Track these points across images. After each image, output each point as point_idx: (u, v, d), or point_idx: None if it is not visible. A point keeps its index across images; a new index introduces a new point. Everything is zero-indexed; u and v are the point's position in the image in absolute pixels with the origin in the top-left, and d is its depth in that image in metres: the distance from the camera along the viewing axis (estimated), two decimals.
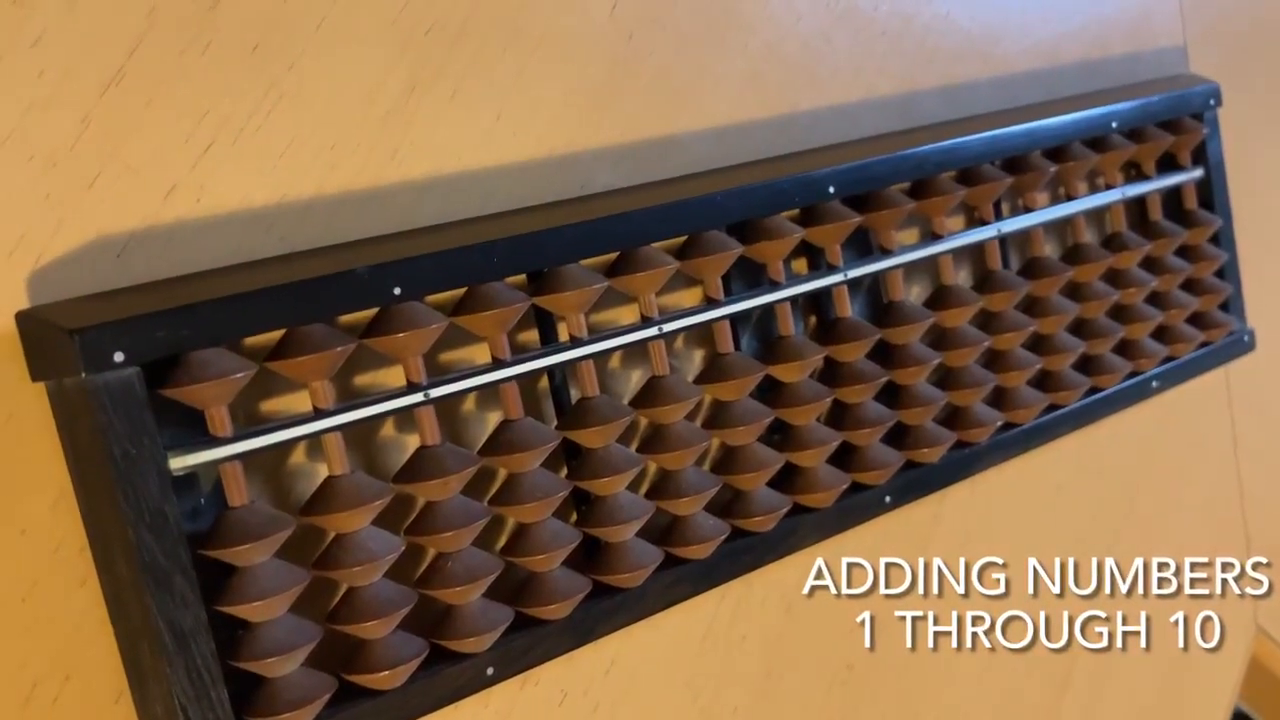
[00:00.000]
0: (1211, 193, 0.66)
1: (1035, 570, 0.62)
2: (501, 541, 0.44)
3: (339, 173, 0.41)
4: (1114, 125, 0.60)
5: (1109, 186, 0.61)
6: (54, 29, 0.36)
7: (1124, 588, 0.67)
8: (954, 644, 0.59)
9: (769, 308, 0.48)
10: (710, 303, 0.47)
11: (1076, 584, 0.65)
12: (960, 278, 0.59)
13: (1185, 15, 0.69)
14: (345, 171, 0.42)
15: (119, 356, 0.34)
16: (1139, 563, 0.67)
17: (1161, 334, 0.64)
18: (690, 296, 0.50)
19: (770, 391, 0.49)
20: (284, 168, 0.40)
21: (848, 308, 0.51)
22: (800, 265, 0.52)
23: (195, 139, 0.39)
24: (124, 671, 0.37)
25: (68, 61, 0.37)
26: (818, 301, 0.52)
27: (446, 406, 0.44)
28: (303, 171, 0.41)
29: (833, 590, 0.54)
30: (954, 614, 0.59)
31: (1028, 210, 0.58)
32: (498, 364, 0.41)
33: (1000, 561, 0.61)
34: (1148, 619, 0.68)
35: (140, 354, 0.34)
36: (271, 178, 0.40)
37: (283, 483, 0.41)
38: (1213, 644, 0.72)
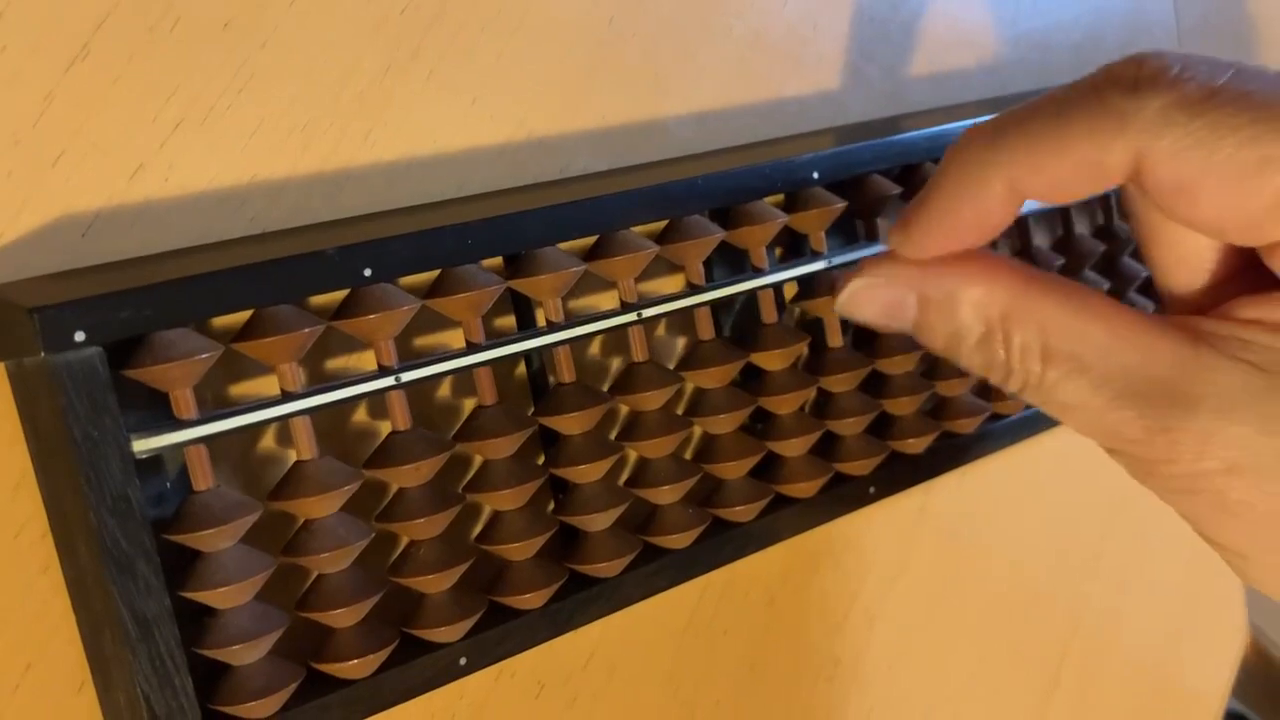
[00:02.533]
0: None
1: (1024, 564, 0.62)
2: (476, 529, 0.44)
3: (312, 153, 0.41)
4: None
5: None
6: (17, 2, 0.36)
7: (1114, 583, 0.66)
8: (942, 639, 0.58)
9: (751, 294, 0.48)
10: (691, 288, 0.46)
11: (1066, 579, 0.64)
12: None
13: (1178, 6, 0.69)
14: (318, 152, 0.41)
15: (80, 336, 0.33)
16: (1130, 557, 0.67)
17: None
18: (672, 283, 0.49)
19: (753, 379, 0.49)
20: (255, 147, 0.40)
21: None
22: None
23: (163, 117, 0.38)
24: (86, 660, 0.37)
25: (31, 37, 0.36)
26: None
27: (420, 392, 0.43)
28: (274, 151, 0.40)
29: (816, 583, 0.53)
30: (941, 608, 0.58)
31: None
32: (471, 348, 0.40)
33: (988, 555, 0.60)
34: (1139, 615, 0.67)
35: (103, 334, 0.34)
36: (242, 157, 0.39)
37: (252, 468, 0.40)
38: (1205, 640, 0.71)
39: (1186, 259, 0.28)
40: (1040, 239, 0.61)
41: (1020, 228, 0.59)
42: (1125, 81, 0.24)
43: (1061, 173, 0.25)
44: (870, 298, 0.28)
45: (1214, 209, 0.24)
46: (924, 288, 0.28)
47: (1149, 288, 0.63)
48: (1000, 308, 0.27)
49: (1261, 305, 0.26)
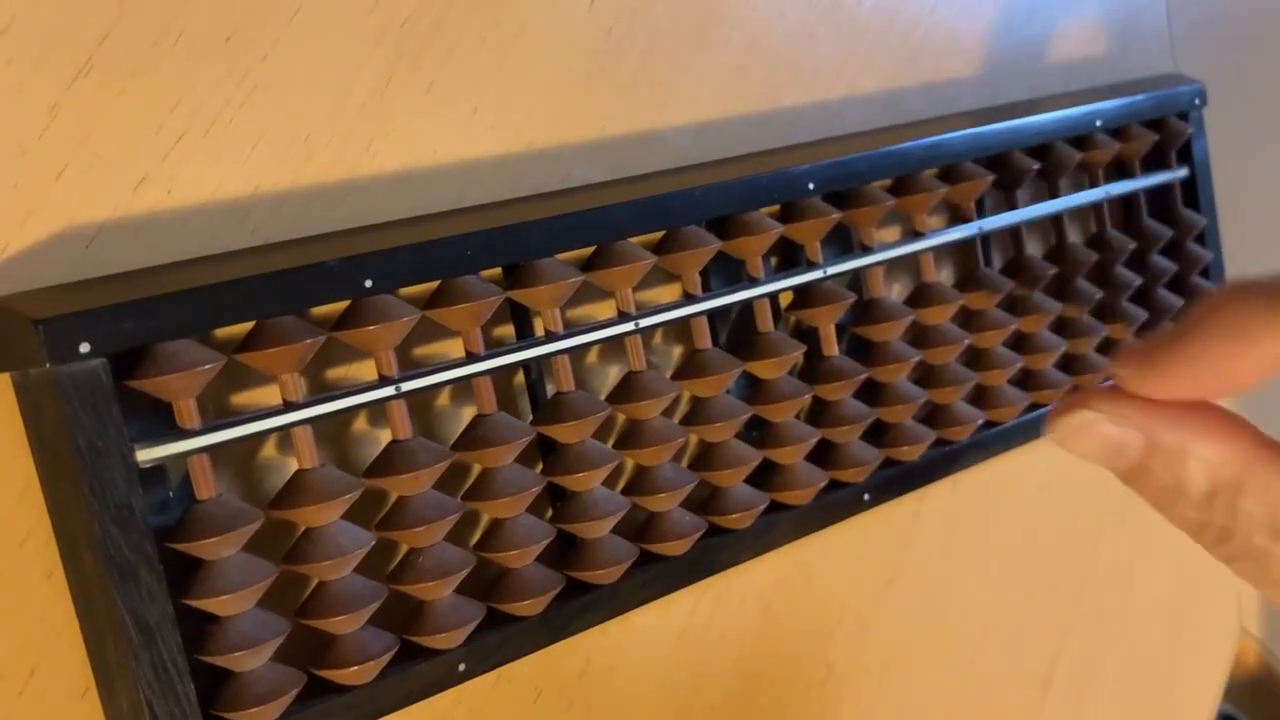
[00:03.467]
0: (1197, 192, 0.66)
1: (1017, 570, 0.62)
2: (475, 537, 0.44)
3: (313, 164, 0.41)
4: (1098, 124, 0.59)
5: (1093, 185, 0.61)
6: (23, 16, 0.36)
7: (1107, 588, 0.67)
8: (934, 644, 0.59)
9: (748, 304, 0.48)
10: (688, 298, 0.46)
11: (1058, 584, 0.65)
12: (942, 276, 0.58)
13: (1171, 14, 0.69)
14: (319, 163, 0.41)
15: (85, 347, 0.34)
16: (1122, 563, 0.67)
17: (1146, 333, 0.64)
18: (669, 292, 0.50)
19: (749, 388, 0.49)
20: (257, 159, 0.40)
21: None
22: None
23: (167, 129, 0.39)
24: (90, 666, 0.37)
25: (37, 50, 0.36)
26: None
27: (420, 401, 0.44)
28: (276, 163, 0.40)
29: (811, 589, 0.54)
30: (934, 613, 0.59)
31: (1011, 208, 0.58)
32: (471, 358, 0.41)
33: (981, 561, 0.61)
34: (1131, 619, 0.68)
35: (107, 345, 0.34)
36: (244, 169, 0.40)
37: (253, 476, 0.40)
38: (1196, 645, 0.72)
39: None
40: (1033, 248, 0.61)
41: (1014, 236, 0.59)
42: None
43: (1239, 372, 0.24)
44: (1094, 434, 0.27)
45: None
46: (1155, 433, 0.26)
47: (1140, 297, 0.64)
48: (1234, 470, 0.25)
49: None
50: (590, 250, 0.44)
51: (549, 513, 0.45)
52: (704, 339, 0.47)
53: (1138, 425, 0.26)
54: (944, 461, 0.55)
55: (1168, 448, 0.26)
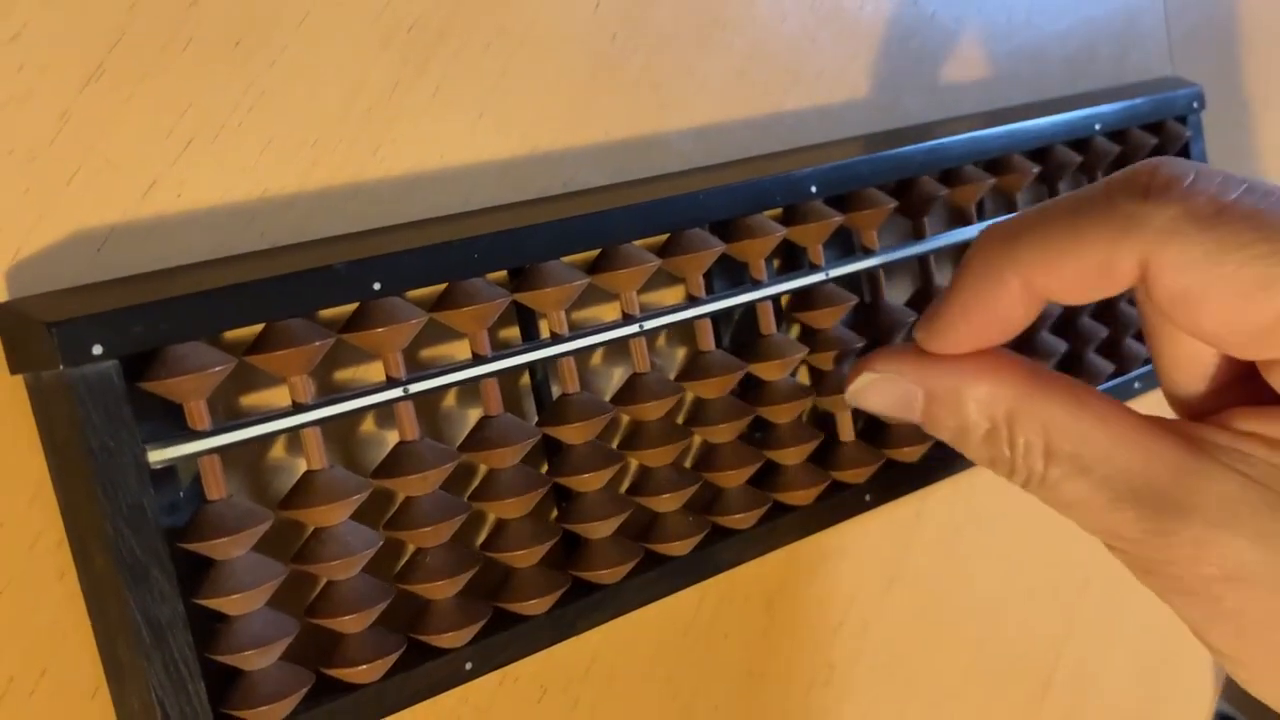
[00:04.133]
0: None
1: (1019, 570, 0.63)
2: (481, 537, 0.44)
3: (321, 169, 0.42)
4: (1097, 128, 0.60)
5: None
6: (34, 24, 0.37)
7: (1108, 589, 0.67)
8: (936, 644, 0.59)
9: (751, 306, 0.49)
10: (692, 300, 0.47)
11: (1060, 585, 0.65)
12: (945, 279, 0.59)
13: (1170, 18, 0.70)
14: (327, 167, 0.42)
15: (97, 349, 0.34)
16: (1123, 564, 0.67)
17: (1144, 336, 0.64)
18: (673, 294, 0.50)
19: (752, 389, 0.49)
20: (265, 164, 0.40)
21: None
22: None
23: (176, 134, 0.39)
24: (101, 665, 0.37)
25: (47, 56, 0.37)
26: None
27: (427, 402, 0.44)
28: (284, 167, 0.41)
29: (813, 588, 0.54)
30: (936, 613, 0.59)
31: (1011, 211, 0.58)
32: (478, 360, 0.41)
33: (983, 561, 0.61)
34: (1132, 619, 0.68)
35: (118, 347, 0.34)
36: (253, 173, 0.40)
37: (262, 477, 0.41)
38: (1196, 645, 0.72)
39: (1189, 363, 0.28)
40: None
41: None
42: (1138, 188, 0.24)
43: (1073, 274, 0.25)
44: (879, 391, 0.29)
45: (1215, 322, 0.24)
46: (930, 384, 0.28)
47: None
48: (1005, 406, 0.27)
49: (1260, 419, 0.26)
50: (595, 253, 0.45)
51: (554, 513, 0.46)
52: (707, 341, 0.47)
53: (915, 379, 0.28)
54: (945, 462, 0.55)
55: (943, 396, 0.28)
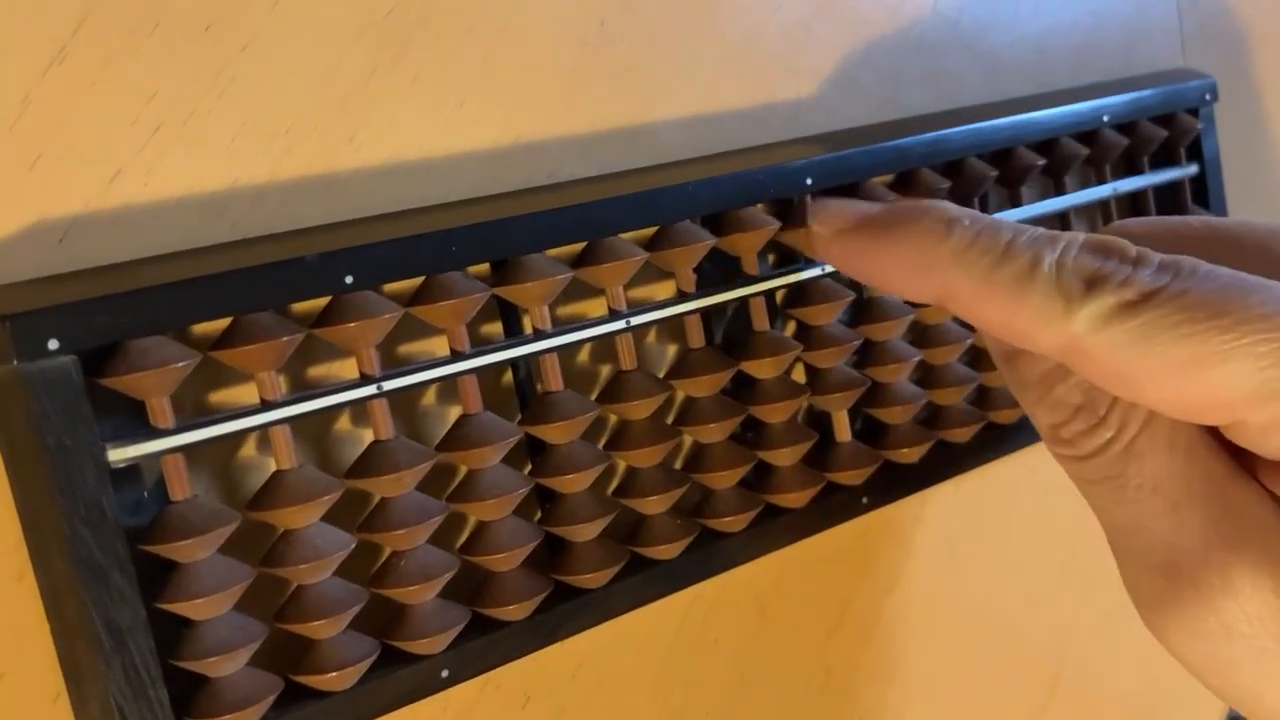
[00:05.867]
0: (1206, 190, 0.64)
1: (1022, 574, 0.61)
2: (460, 539, 0.43)
3: (294, 157, 0.40)
4: (1105, 119, 0.58)
5: (1100, 182, 0.60)
6: None
7: (1113, 593, 0.65)
8: (936, 649, 0.58)
9: (743, 301, 0.47)
10: (681, 295, 0.45)
11: (1064, 589, 0.63)
12: None
13: (1182, 8, 0.68)
14: (301, 156, 0.40)
15: (54, 344, 0.33)
16: None
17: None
18: (664, 289, 0.49)
19: (745, 388, 0.48)
20: (236, 151, 0.39)
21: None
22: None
23: (142, 121, 0.38)
24: (61, 670, 0.36)
25: (6, 40, 0.35)
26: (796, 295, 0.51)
27: (405, 400, 0.43)
28: (256, 156, 0.39)
29: (807, 592, 0.53)
30: (936, 618, 0.58)
31: (1015, 205, 0.57)
32: (456, 356, 0.40)
33: (984, 565, 0.60)
34: (1138, 623, 0.66)
35: (77, 341, 0.33)
36: (223, 162, 0.39)
37: (233, 477, 0.40)
38: None
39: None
40: None
41: None
42: (1084, 275, 0.26)
43: (1000, 330, 0.27)
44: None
45: (1155, 396, 0.26)
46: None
47: None
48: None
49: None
50: (581, 247, 0.43)
51: (537, 515, 0.44)
52: (698, 337, 0.46)
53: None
54: (946, 464, 0.54)
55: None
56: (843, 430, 0.50)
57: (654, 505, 0.45)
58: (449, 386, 0.43)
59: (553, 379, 0.42)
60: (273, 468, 0.39)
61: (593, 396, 0.45)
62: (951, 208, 0.29)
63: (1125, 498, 0.29)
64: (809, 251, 0.31)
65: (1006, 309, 0.26)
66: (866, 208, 0.30)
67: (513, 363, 0.42)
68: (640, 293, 0.48)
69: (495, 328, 0.44)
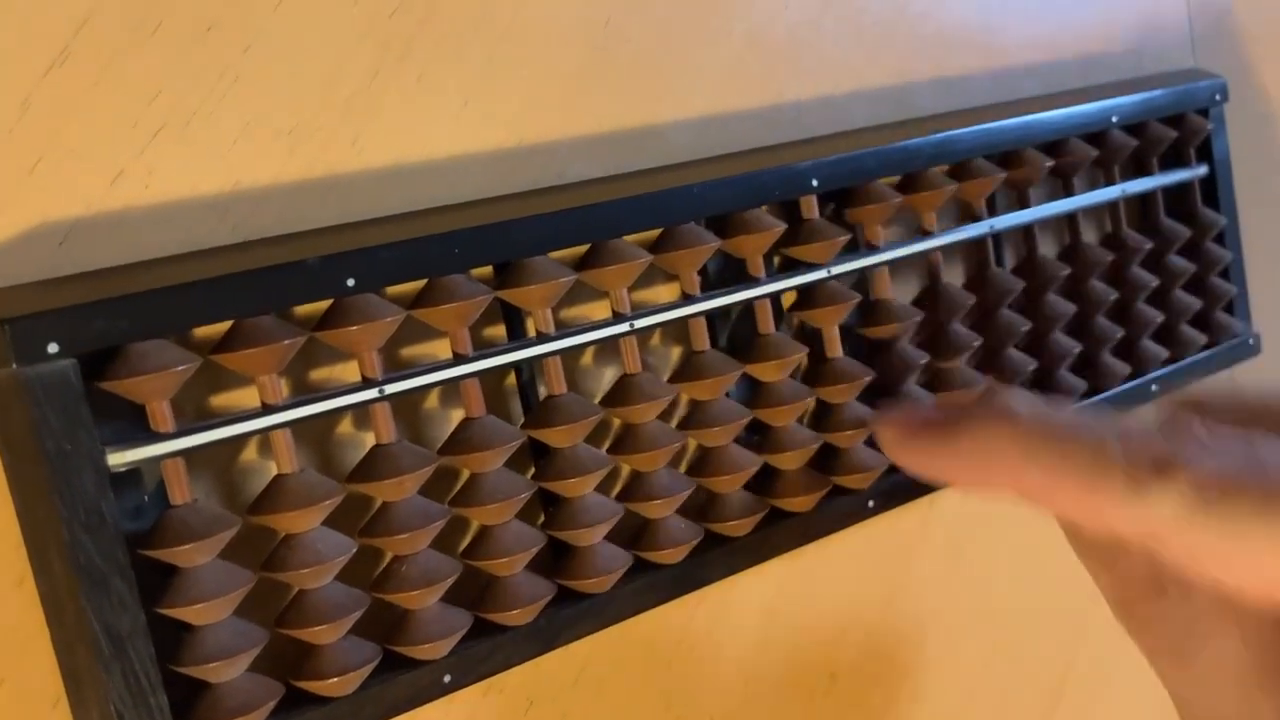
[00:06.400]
0: (1216, 191, 0.64)
1: (1029, 578, 0.61)
2: (463, 544, 0.43)
3: (297, 159, 0.40)
4: (1114, 120, 0.58)
5: (1109, 183, 0.59)
6: None
7: None
8: (942, 654, 0.57)
9: (749, 305, 0.47)
10: (686, 298, 0.45)
11: (1071, 594, 0.63)
12: (952, 276, 0.57)
13: (1192, 8, 0.67)
14: (303, 158, 0.40)
15: (53, 348, 0.33)
16: None
17: (1162, 336, 0.62)
18: (669, 292, 0.48)
19: (750, 391, 0.48)
20: (238, 153, 0.39)
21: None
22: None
23: (144, 123, 0.37)
24: (61, 675, 0.36)
25: (8, 40, 0.35)
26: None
27: (408, 404, 0.42)
28: (259, 157, 0.39)
29: (814, 597, 0.52)
30: (942, 623, 0.57)
31: (1023, 207, 0.56)
32: (458, 359, 0.40)
33: (991, 570, 0.59)
34: None
35: (76, 345, 0.33)
36: (225, 164, 0.39)
37: (234, 481, 0.39)
38: None
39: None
40: (1046, 248, 0.60)
41: (1026, 235, 0.58)
42: (1154, 457, 0.25)
43: (1071, 512, 0.26)
44: None
45: (1233, 581, 0.24)
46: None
47: (1157, 298, 0.62)
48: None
49: None
50: (585, 249, 0.43)
51: (540, 519, 0.44)
52: (702, 340, 0.46)
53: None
54: None
55: None
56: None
57: (658, 509, 0.44)
58: (451, 389, 0.43)
59: (556, 382, 0.42)
60: (274, 471, 0.38)
61: (596, 400, 0.45)
62: (1011, 399, 0.28)
63: (1193, 675, 0.28)
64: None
65: (1077, 498, 0.25)
66: (928, 413, 0.29)
67: (516, 366, 0.41)
68: (644, 295, 0.48)
69: (498, 330, 0.44)
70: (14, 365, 0.32)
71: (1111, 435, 0.25)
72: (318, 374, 0.40)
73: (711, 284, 0.47)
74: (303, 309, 0.39)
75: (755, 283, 0.46)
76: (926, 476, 0.28)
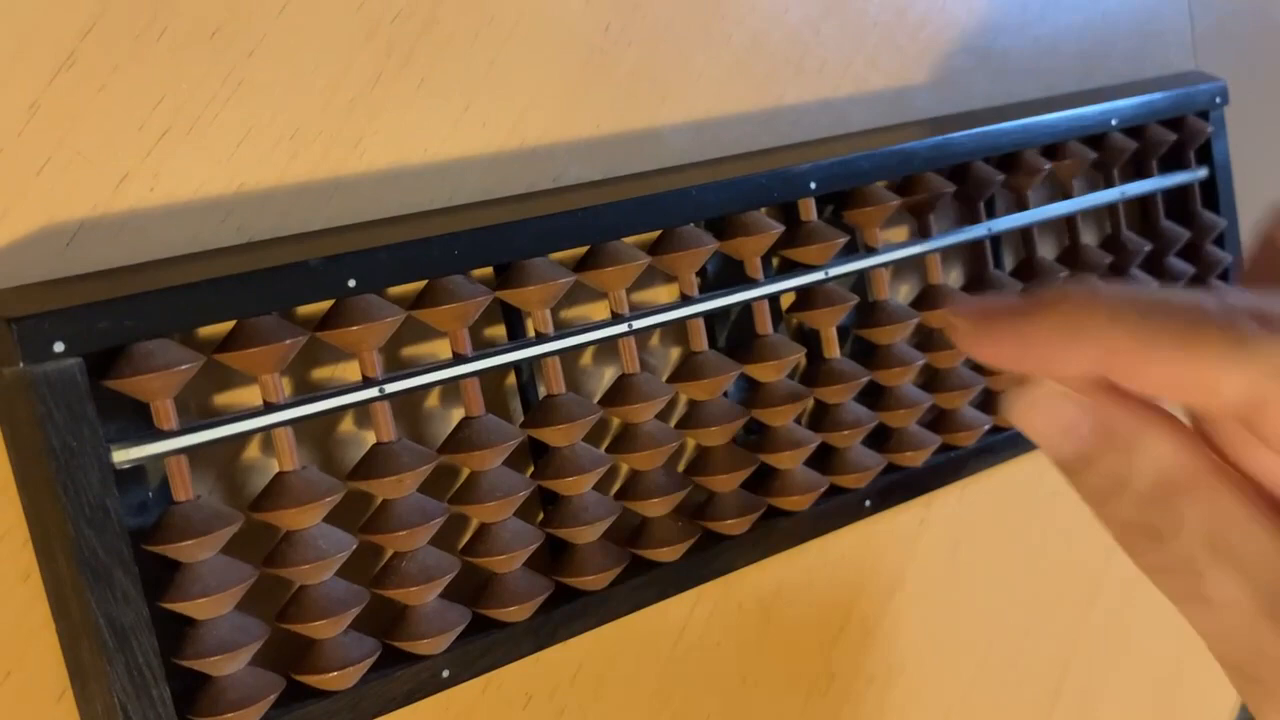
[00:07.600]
0: (1216, 193, 0.64)
1: (1027, 578, 0.61)
2: (462, 541, 0.43)
3: (300, 162, 0.41)
4: (1114, 123, 0.58)
5: (1108, 185, 0.60)
6: (2, 9, 0.36)
7: (1118, 598, 0.65)
8: (940, 654, 0.58)
9: (747, 306, 0.47)
10: (684, 299, 0.45)
11: (1068, 594, 0.63)
12: (951, 278, 0.57)
13: (1193, 11, 0.68)
14: (306, 161, 0.41)
15: (59, 346, 0.33)
16: (1134, 572, 0.65)
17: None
18: (668, 293, 0.49)
19: (748, 391, 0.48)
20: (242, 156, 0.40)
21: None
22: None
23: (150, 126, 0.38)
24: (66, 669, 0.37)
25: (16, 44, 0.36)
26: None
27: (408, 403, 0.43)
28: (262, 160, 0.40)
29: (812, 596, 0.53)
30: (939, 622, 0.58)
31: (1022, 209, 0.57)
32: (458, 359, 0.40)
33: (988, 569, 0.60)
34: (1142, 628, 0.66)
35: (82, 344, 0.34)
36: (229, 166, 0.39)
37: (236, 478, 0.40)
38: (1211, 660, 0.70)
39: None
40: (1045, 250, 0.60)
41: (1025, 237, 0.58)
42: (1257, 314, 0.22)
43: (1166, 379, 0.23)
44: (1052, 410, 0.26)
45: None
46: (1108, 415, 0.25)
47: None
48: (1186, 472, 0.24)
49: None
50: (584, 250, 0.43)
51: (539, 517, 0.44)
52: (700, 341, 0.46)
53: (1092, 407, 0.25)
54: (950, 467, 0.54)
55: (1122, 434, 0.25)
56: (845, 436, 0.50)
57: (656, 508, 0.45)
58: (451, 389, 0.43)
59: (555, 382, 0.43)
60: (275, 469, 0.39)
61: (595, 399, 0.45)
62: (1094, 281, 0.27)
63: (1213, 612, 0.26)
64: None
65: (1176, 359, 0.23)
66: (1008, 299, 0.28)
67: (515, 365, 0.42)
68: (643, 296, 0.48)
69: (498, 331, 0.44)
70: (21, 364, 0.33)
71: (1207, 295, 0.23)
72: (319, 373, 0.41)
73: (710, 285, 0.48)
74: (304, 309, 0.39)
75: (753, 284, 0.47)
76: (1004, 364, 0.26)
